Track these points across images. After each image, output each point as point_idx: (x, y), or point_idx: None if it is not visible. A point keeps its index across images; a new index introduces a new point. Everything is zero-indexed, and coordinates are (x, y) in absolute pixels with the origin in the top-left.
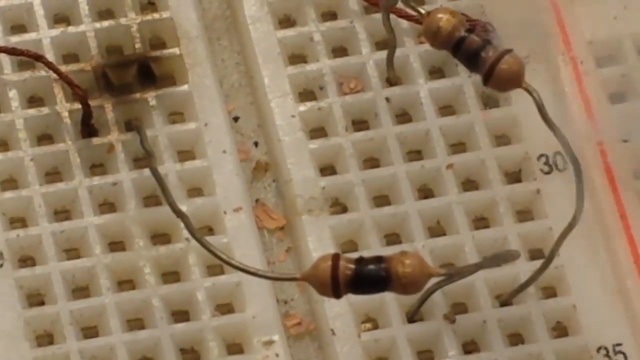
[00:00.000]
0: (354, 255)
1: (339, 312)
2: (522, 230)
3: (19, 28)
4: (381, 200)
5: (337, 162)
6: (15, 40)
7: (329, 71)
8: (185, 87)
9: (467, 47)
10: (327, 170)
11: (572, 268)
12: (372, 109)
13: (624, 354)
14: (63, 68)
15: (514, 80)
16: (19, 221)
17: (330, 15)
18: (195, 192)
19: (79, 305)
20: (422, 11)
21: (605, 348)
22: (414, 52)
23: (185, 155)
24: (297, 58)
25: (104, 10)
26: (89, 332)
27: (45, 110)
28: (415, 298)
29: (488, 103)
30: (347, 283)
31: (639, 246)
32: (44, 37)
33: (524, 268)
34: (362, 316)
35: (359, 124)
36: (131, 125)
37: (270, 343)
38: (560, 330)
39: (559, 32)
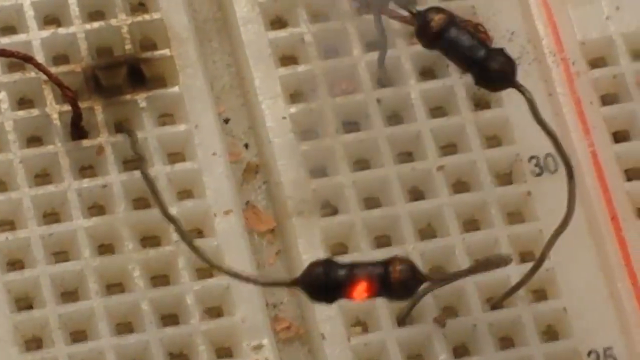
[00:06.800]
0: (345, 258)
1: (329, 315)
2: (513, 232)
3: (8, 29)
4: (372, 202)
5: (327, 164)
6: (4, 41)
7: (320, 72)
8: (175, 88)
9: (459, 47)
10: (318, 172)
11: (562, 271)
12: (363, 110)
13: (614, 357)
14: (53, 69)
15: (506, 79)
16: (7, 224)
17: (321, 17)
18: (185, 194)
19: (68, 309)
20: (414, 11)
21: (596, 352)
22: (405, 53)
23: (175, 157)
24: (288, 59)
25: (95, 12)
26: (78, 336)
27: (34, 112)
28: (406, 302)
29: (479, 104)
30: (339, 289)
31: (630, 249)
32: (34, 38)
33: (514, 271)
34: (352, 320)
35: (350, 126)
36: (121, 127)
37: (259, 347)
38: (550, 333)
39: (550, 33)
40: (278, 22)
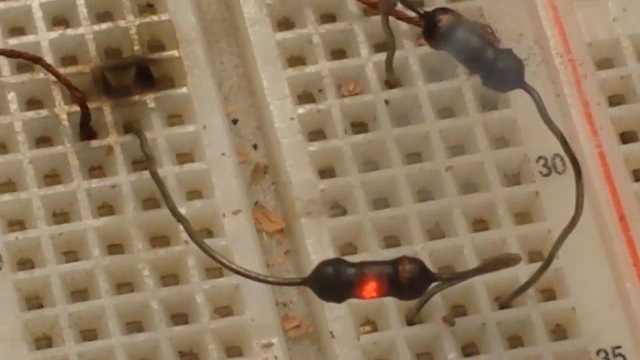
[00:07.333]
0: (354, 258)
1: (338, 314)
2: (521, 232)
3: (17, 30)
4: (380, 202)
5: (336, 164)
6: (13, 42)
7: (328, 73)
8: (184, 89)
9: (467, 47)
10: (326, 172)
11: (571, 270)
12: (371, 111)
13: (623, 356)
14: (62, 70)
15: (514, 79)
16: (17, 224)
17: (329, 18)
18: (194, 194)
19: (78, 308)
20: (421, 12)
21: (605, 351)
22: (412, 54)
23: (184, 157)
24: (296, 60)
25: (103, 13)
26: (88, 334)
27: (43, 112)
28: (415, 301)
29: (487, 105)
30: (349, 288)
31: (638, 248)
32: (43, 39)
33: (523, 270)
34: (362, 319)
35: (358, 127)
36: (130, 128)
37: (269, 346)
38: (559, 332)
39: (557, 34)
40: (285, 23)
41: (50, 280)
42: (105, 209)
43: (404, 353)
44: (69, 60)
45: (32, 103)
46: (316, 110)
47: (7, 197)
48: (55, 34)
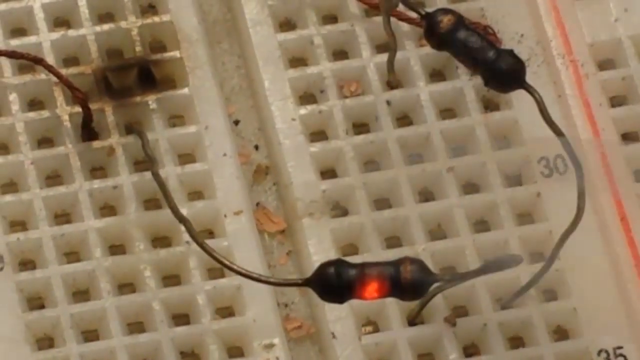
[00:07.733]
0: (356, 259)
1: (340, 315)
2: (523, 233)
3: (19, 31)
4: (382, 203)
5: (337, 165)
6: (15, 43)
7: (330, 74)
8: (185, 90)
9: (468, 48)
10: (328, 173)
11: (572, 271)
12: (373, 112)
13: (624, 357)
14: (63, 71)
15: (515, 80)
16: (19, 224)
17: (330, 19)
18: (195, 195)
19: (80, 309)
20: (423, 12)
21: (606, 351)
22: (414, 55)
23: (185, 158)
24: (297, 61)
25: (105, 14)
26: (90, 335)
27: (45, 113)
28: (416, 301)
29: (489, 106)
30: (350, 289)
31: None
32: (44, 40)
33: (524, 271)
34: (363, 319)
35: (360, 127)
36: (131, 129)
37: (270, 346)
38: (560, 333)
39: (559, 35)
40: (287, 24)
41: (52, 281)
42: (107, 209)
43: (405, 354)
44: (70, 61)
45: (33, 104)
46: (318, 111)
47: (8, 197)
48: (57, 34)
